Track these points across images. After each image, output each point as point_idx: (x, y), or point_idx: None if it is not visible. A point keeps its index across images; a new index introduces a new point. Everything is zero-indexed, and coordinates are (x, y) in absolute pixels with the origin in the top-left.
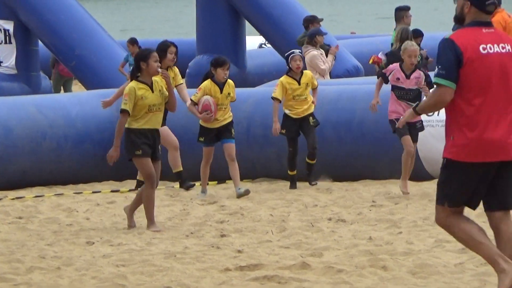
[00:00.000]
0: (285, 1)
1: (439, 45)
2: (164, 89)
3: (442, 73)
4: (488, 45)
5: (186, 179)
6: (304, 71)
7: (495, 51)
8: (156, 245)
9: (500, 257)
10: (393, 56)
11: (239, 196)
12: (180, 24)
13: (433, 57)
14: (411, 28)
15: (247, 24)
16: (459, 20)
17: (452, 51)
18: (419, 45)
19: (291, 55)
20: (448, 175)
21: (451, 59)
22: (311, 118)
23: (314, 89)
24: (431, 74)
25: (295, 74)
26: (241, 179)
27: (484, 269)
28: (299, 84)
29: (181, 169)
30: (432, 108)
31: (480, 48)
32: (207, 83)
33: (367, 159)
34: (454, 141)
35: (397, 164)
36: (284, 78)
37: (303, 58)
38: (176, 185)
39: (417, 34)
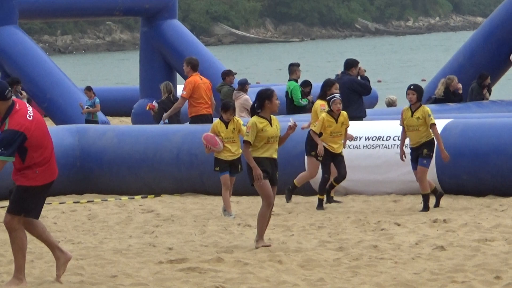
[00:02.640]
0: (207, 58)
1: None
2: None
3: (5, 152)
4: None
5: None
6: (342, 112)
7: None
8: (107, 244)
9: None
10: (164, 104)
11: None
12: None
13: None
14: (301, 79)
15: (178, 75)
16: None
17: (21, 136)
18: (308, 92)
19: (333, 99)
20: (27, 196)
21: (16, 141)
22: (342, 151)
23: (346, 128)
24: None
25: (334, 114)
26: (172, 194)
27: (356, 263)
28: (337, 122)
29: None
30: None
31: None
32: (216, 122)
33: None
34: (37, 173)
35: (288, 180)
36: (325, 116)
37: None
38: (124, 197)
39: (307, 84)
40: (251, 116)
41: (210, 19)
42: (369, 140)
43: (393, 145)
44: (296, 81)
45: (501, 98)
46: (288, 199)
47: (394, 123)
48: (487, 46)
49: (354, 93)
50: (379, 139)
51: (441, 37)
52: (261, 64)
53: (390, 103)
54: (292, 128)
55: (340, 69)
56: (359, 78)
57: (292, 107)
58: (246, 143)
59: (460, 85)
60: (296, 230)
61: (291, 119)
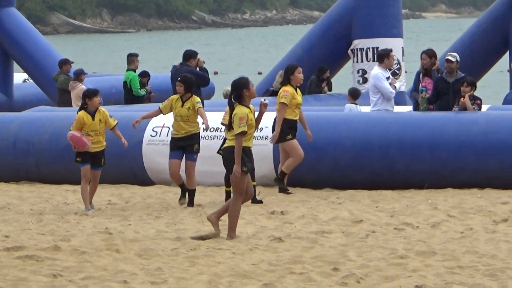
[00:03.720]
0: (44, 47)
1: None
2: None
3: None
4: None
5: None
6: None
7: None
8: None
9: None
10: None
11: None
12: None
13: (155, 92)
14: (139, 69)
15: (15, 64)
16: None
17: None
18: (146, 82)
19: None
20: None
21: None
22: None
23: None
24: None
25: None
26: (8, 182)
27: (194, 253)
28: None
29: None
30: None
31: None
32: (81, 113)
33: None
34: None
35: (125, 172)
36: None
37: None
38: None
39: (145, 74)
40: (231, 107)
41: (46, 8)
42: (206, 131)
43: None
44: (134, 71)
45: (339, 92)
46: (285, 190)
47: None
48: (325, 40)
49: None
50: (217, 131)
51: (278, 30)
52: (98, 54)
53: (227, 95)
54: (265, 106)
55: (178, 60)
56: (197, 69)
57: (130, 97)
58: (241, 134)
59: None
60: (134, 219)
61: (263, 99)
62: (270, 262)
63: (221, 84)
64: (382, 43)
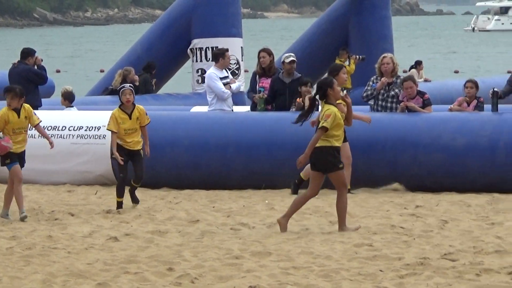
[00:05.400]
0: None
1: None
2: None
3: None
4: None
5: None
6: (136, 105)
7: None
8: None
9: None
10: None
11: (22, 219)
12: None
13: None
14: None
15: None
16: None
17: None
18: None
19: (122, 89)
20: None
21: None
22: (141, 150)
23: (142, 127)
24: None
25: (126, 107)
26: None
27: (29, 252)
28: (130, 118)
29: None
30: None
31: None
32: (4, 111)
33: None
34: None
35: None
36: (116, 111)
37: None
38: None
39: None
40: (310, 104)
41: None
42: (44, 129)
43: (68, 135)
44: None
45: (178, 92)
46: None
47: (68, 114)
48: (164, 39)
49: (30, 83)
50: (55, 129)
51: (120, 29)
52: None
53: (66, 93)
54: (347, 96)
55: (17, 58)
56: (36, 67)
57: None
58: (323, 129)
59: (137, 77)
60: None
61: (342, 92)
62: (105, 261)
63: (62, 82)
64: (222, 42)
